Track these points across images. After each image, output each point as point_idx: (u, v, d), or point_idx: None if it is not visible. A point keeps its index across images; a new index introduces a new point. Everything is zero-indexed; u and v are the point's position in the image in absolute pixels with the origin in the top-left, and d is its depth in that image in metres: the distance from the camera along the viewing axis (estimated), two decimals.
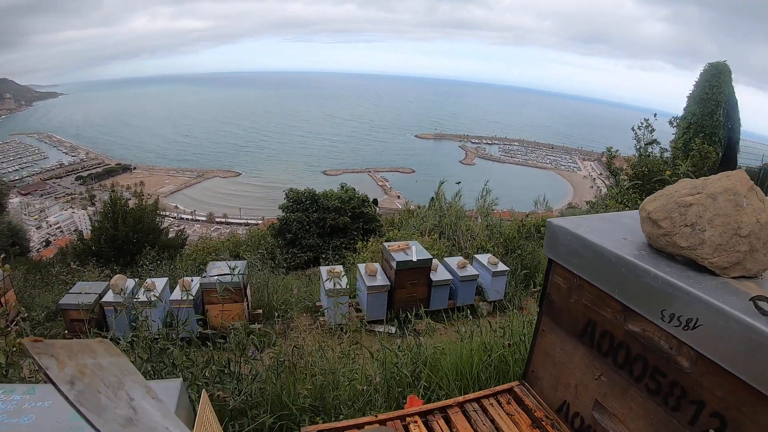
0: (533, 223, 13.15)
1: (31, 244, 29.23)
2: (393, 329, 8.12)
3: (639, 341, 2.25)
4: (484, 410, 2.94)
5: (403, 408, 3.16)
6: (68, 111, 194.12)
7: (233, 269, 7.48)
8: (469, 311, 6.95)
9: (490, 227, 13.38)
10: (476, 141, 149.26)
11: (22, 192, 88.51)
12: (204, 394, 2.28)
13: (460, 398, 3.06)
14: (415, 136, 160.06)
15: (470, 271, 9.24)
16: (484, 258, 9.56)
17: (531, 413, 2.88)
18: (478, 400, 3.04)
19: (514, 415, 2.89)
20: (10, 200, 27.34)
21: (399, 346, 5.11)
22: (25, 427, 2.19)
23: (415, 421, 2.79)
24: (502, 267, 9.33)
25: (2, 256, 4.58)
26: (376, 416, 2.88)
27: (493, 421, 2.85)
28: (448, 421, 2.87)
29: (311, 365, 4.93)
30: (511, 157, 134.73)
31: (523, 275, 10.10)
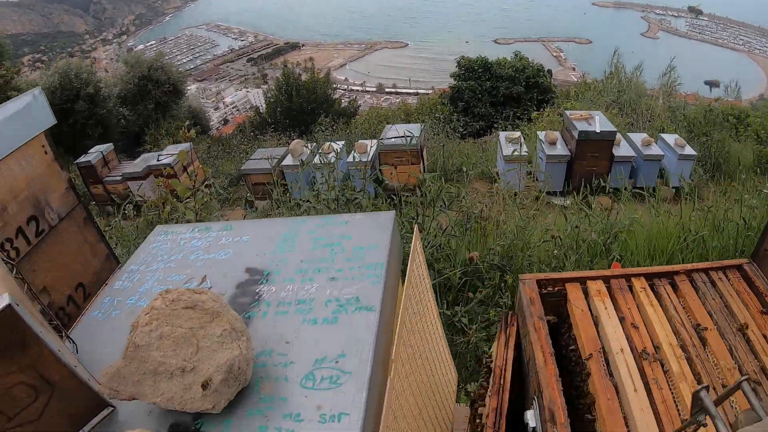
0: (722, 110, 11.72)
1: (211, 123, 31.26)
2: (568, 202, 7.57)
3: None
4: (713, 283, 2.42)
5: None
6: (231, 0, 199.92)
7: (409, 133, 7.36)
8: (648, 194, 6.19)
9: (672, 109, 12.46)
10: (661, 12, 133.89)
11: (198, 79, 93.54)
12: (416, 229, 2.05)
13: (688, 266, 2.54)
14: (593, 3, 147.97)
15: (655, 150, 8.50)
16: (670, 138, 8.71)
17: (762, 297, 2.31)
18: (705, 271, 2.51)
19: (743, 294, 2.34)
20: (188, 87, 29.12)
21: (592, 213, 4.89)
22: (222, 261, 2.08)
23: (642, 286, 2.36)
24: (689, 151, 8.44)
25: (191, 131, 4.82)
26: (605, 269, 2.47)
27: (721, 296, 2.35)
28: (674, 288, 2.42)
29: (501, 223, 4.78)
30: (699, 33, 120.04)
31: (711, 165, 9.23)
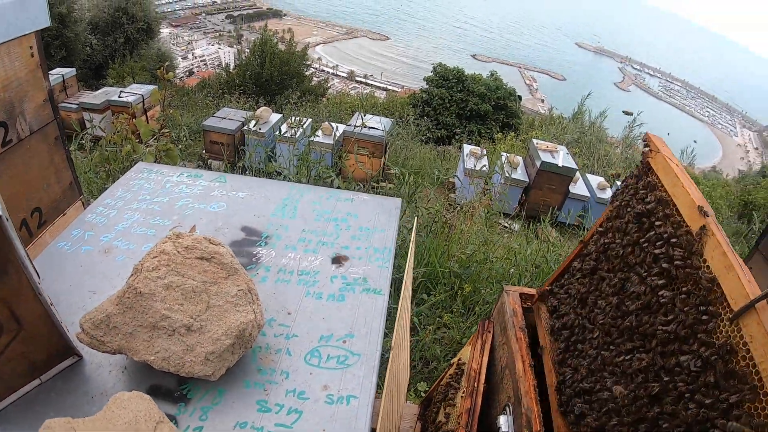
0: None
1: (176, 72, 30.55)
2: (516, 227, 7.76)
3: None
4: None
5: None
6: None
7: (380, 124, 7.30)
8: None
9: (629, 160, 13.03)
10: (638, 67, 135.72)
11: (173, 24, 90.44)
12: (415, 221, 2.05)
13: None
14: (576, 43, 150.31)
15: (609, 195, 8.62)
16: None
17: None
18: None
19: None
20: (162, 30, 28.48)
21: (554, 242, 5.10)
22: (214, 214, 1.98)
23: None
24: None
25: (169, 72, 4.71)
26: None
27: None
28: None
29: (464, 232, 4.82)
30: (670, 96, 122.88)
31: None
